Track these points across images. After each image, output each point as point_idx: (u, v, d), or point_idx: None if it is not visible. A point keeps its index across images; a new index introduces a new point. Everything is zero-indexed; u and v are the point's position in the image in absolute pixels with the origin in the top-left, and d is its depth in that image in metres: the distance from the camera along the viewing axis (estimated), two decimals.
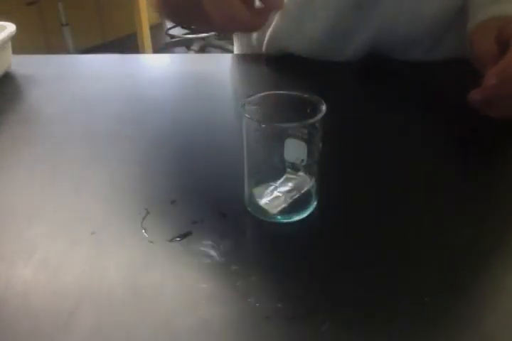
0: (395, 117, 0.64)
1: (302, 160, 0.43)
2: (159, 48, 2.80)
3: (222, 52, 3.22)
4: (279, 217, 0.45)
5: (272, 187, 0.47)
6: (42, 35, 2.53)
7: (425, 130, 0.61)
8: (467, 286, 0.39)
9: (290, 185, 0.46)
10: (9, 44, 0.73)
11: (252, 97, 0.44)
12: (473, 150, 0.57)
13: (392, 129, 0.61)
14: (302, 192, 0.45)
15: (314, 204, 0.46)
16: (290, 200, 0.45)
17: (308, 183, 0.45)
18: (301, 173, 0.45)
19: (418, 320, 0.36)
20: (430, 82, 0.73)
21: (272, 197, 0.46)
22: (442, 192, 0.50)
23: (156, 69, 0.80)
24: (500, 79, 0.55)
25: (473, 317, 0.37)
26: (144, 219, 0.46)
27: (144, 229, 0.45)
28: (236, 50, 0.93)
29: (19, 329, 0.36)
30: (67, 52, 2.53)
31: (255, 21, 0.48)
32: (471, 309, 0.37)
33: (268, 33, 0.80)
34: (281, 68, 0.77)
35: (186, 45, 3.39)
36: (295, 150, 0.42)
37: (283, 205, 0.45)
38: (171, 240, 0.43)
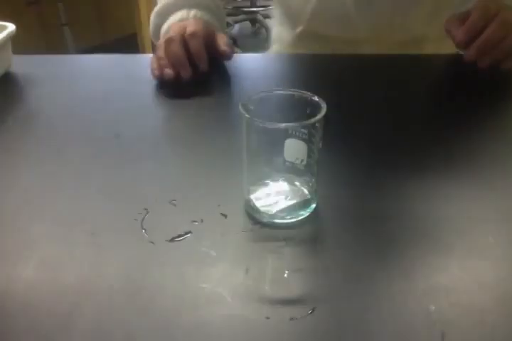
0: (396, 116, 0.64)
1: (302, 160, 0.43)
2: None
3: None
4: (278, 218, 0.45)
5: (271, 188, 0.47)
6: (42, 35, 2.53)
7: (426, 129, 0.61)
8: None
9: (288, 189, 0.46)
10: (9, 44, 0.73)
11: (252, 97, 0.44)
12: (479, 153, 0.57)
13: (393, 128, 0.61)
14: (299, 200, 0.46)
15: (314, 204, 0.46)
16: (289, 202, 0.46)
17: (305, 195, 0.46)
18: (297, 183, 0.46)
19: (418, 320, 0.36)
20: (431, 80, 0.73)
21: (271, 197, 0.46)
22: (444, 193, 0.50)
23: None
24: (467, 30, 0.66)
25: None
26: (143, 219, 0.46)
27: (144, 229, 0.45)
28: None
29: (19, 328, 0.36)
30: (67, 52, 2.53)
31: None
32: None
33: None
34: (281, 68, 0.77)
35: None
36: (295, 150, 0.42)
37: (282, 206, 0.45)
38: (171, 240, 0.43)
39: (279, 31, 1.00)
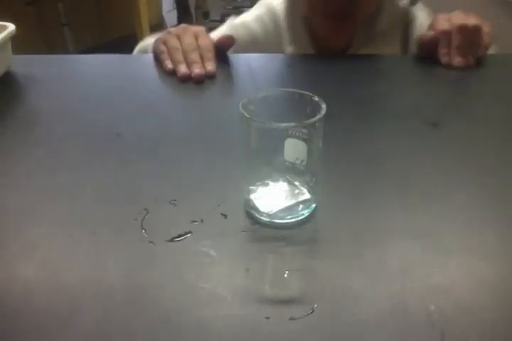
0: (397, 116, 0.64)
1: (302, 160, 0.43)
2: None
3: None
4: (278, 218, 0.45)
5: (271, 188, 0.47)
6: (42, 35, 2.53)
7: (427, 128, 0.61)
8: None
9: (288, 189, 0.46)
10: (9, 44, 0.73)
11: (252, 97, 0.44)
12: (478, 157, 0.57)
13: (394, 128, 0.61)
14: (299, 200, 0.46)
15: (314, 204, 0.46)
16: (289, 202, 0.46)
17: (305, 195, 0.46)
18: (297, 183, 0.46)
19: (418, 320, 0.36)
20: (431, 80, 0.73)
21: (271, 197, 0.46)
22: (444, 192, 0.50)
23: (155, 69, 0.79)
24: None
25: None
26: (143, 219, 0.46)
27: (144, 229, 0.45)
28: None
29: (19, 328, 0.36)
30: (67, 52, 2.53)
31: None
32: None
33: None
34: (281, 68, 0.77)
35: None
36: (295, 150, 0.42)
37: (282, 206, 0.45)
38: (171, 240, 0.43)
39: None
